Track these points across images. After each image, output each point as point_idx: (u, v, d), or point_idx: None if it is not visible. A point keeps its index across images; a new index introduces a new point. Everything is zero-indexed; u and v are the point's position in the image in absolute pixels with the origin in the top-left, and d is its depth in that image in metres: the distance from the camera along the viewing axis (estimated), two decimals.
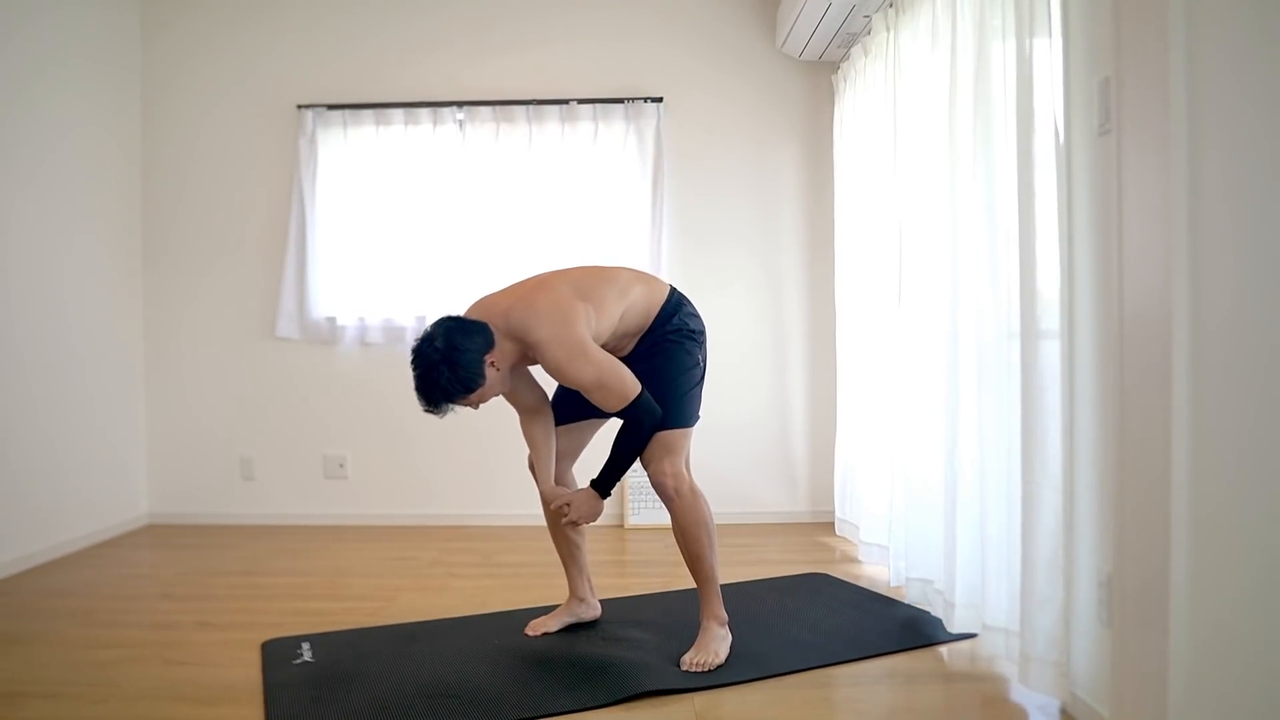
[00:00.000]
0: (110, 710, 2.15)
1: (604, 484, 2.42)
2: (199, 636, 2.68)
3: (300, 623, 2.78)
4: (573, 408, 2.59)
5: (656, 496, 4.27)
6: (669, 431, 2.40)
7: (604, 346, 2.39)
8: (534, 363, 2.47)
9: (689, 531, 2.43)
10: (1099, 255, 1.92)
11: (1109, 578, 1.86)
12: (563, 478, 2.66)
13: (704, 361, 2.55)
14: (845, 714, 2.16)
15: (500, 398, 2.48)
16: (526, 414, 2.60)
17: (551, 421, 2.61)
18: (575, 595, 2.71)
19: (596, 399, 2.34)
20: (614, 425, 2.51)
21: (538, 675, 2.32)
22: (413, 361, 2.30)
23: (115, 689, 2.27)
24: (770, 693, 2.24)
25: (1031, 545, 2.10)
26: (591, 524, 2.53)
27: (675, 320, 2.49)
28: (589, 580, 2.74)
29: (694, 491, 2.44)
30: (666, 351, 2.46)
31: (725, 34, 4.27)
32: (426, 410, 2.32)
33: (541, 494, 2.57)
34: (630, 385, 2.32)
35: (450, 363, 2.23)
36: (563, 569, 2.74)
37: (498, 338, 2.33)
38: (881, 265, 3.33)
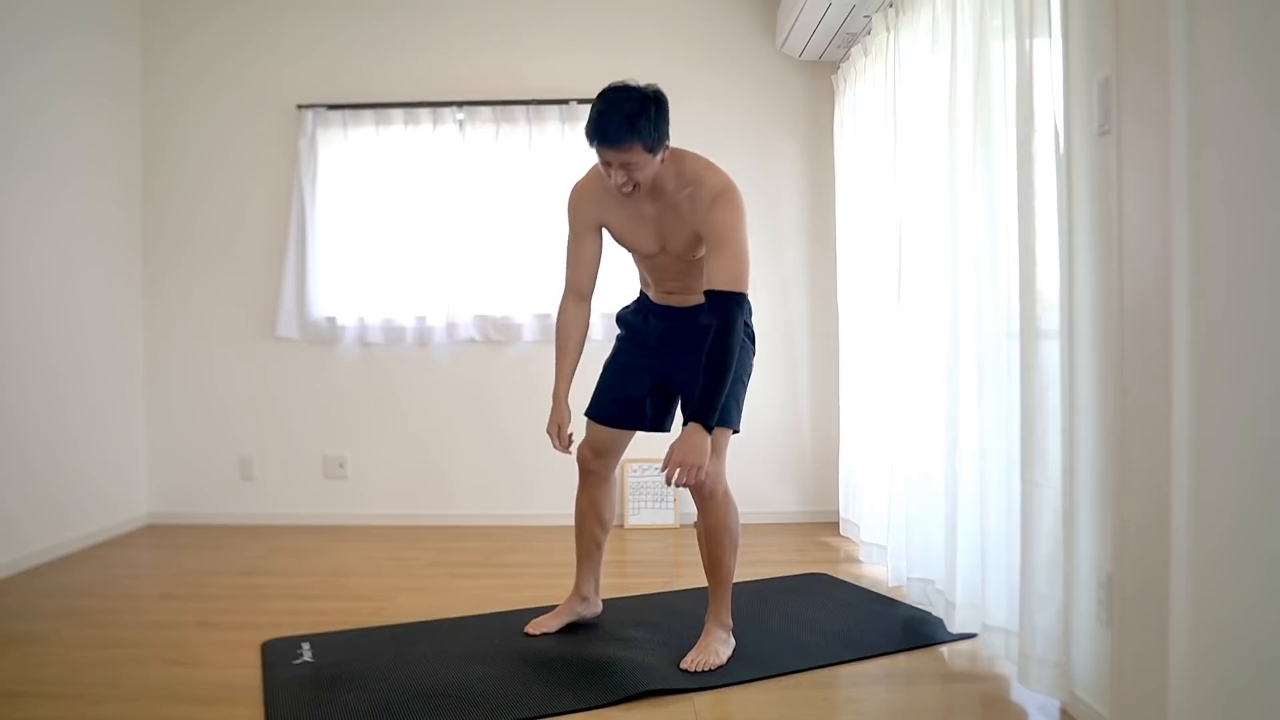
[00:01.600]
0: (110, 710, 2.15)
1: (706, 411, 2.19)
2: (199, 636, 2.68)
3: (300, 623, 2.77)
4: (624, 410, 2.56)
5: (656, 497, 4.36)
6: (719, 429, 2.33)
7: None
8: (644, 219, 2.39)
9: (714, 534, 2.43)
10: (1099, 255, 1.92)
11: (1109, 578, 1.86)
12: (606, 477, 2.65)
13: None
14: (845, 714, 2.16)
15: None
16: (574, 298, 2.51)
17: (587, 323, 2.54)
18: (579, 593, 2.70)
19: (718, 264, 2.23)
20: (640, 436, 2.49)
21: (538, 675, 2.32)
22: (613, 93, 2.20)
23: (115, 689, 2.27)
24: (771, 693, 2.24)
25: (1031, 545, 2.10)
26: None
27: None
28: (597, 580, 2.73)
29: (728, 496, 2.43)
30: None
31: (725, 33, 4.27)
32: (609, 144, 2.17)
33: (555, 402, 2.48)
34: (748, 277, 2.26)
35: (660, 105, 2.23)
36: (573, 567, 2.72)
37: None
38: (883, 265, 3.33)
